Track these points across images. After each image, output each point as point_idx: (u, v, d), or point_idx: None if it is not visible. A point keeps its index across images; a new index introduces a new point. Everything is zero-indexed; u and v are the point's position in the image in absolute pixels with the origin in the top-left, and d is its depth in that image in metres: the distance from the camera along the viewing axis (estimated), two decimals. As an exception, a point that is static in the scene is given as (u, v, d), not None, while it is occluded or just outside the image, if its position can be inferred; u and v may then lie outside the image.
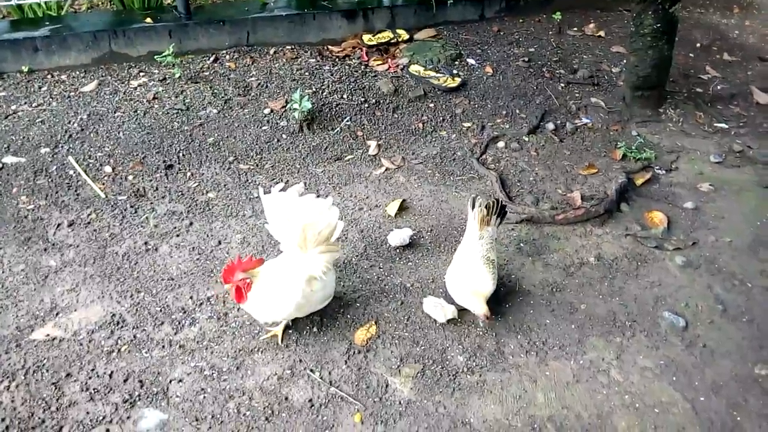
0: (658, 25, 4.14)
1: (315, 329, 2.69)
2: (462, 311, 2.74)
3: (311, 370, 2.51)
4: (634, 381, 2.56)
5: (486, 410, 2.42)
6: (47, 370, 2.47)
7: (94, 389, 2.40)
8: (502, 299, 2.91)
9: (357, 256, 3.14)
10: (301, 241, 2.46)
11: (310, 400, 2.40)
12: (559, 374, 2.57)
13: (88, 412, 2.32)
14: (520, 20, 5.66)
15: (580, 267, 3.14)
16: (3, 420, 2.28)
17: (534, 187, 3.73)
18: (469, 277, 2.66)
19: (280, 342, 2.62)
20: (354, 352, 2.61)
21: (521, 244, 3.26)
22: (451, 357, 2.61)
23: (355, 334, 2.69)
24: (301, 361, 2.56)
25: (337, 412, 2.38)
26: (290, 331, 2.67)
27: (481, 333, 2.73)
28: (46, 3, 4.60)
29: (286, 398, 2.41)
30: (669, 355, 2.69)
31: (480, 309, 2.60)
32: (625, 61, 5.03)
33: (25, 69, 4.22)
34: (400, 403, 2.42)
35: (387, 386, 2.48)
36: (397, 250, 3.17)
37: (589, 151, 4.13)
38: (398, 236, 3.15)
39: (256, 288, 2.41)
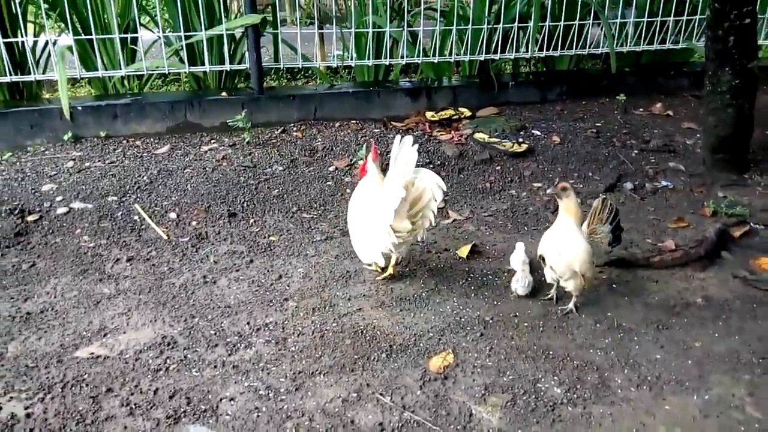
0: (737, 81, 3.99)
1: (384, 355, 2.36)
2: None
3: (381, 394, 2.15)
4: (780, 420, 2.07)
5: (595, 446, 1.97)
6: (87, 385, 2.20)
7: (135, 404, 2.11)
8: (599, 335, 2.52)
9: (427, 291, 2.84)
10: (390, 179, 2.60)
11: (381, 424, 2.02)
12: (681, 408, 2.10)
13: (125, 427, 2.01)
14: (583, 102, 5.63)
15: (686, 307, 2.73)
16: (32, 430, 1.99)
17: (619, 236, 3.42)
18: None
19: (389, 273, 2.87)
20: (429, 379, 2.24)
21: (613, 285, 2.90)
22: (545, 388, 2.20)
23: (430, 361, 2.33)
24: (368, 385, 2.20)
25: (412, 441, 1.99)
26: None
27: (578, 365, 2.32)
28: (128, 80, 4.90)
29: (352, 421, 2.04)
30: (816, 397, 2.20)
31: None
32: (698, 135, 4.84)
33: (102, 134, 4.39)
34: (489, 431, 2.00)
35: (471, 415, 2.08)
36: (472, 288, 2.86)
37: (674, 208, 3.82)
38: (522, 283, 2.80)
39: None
